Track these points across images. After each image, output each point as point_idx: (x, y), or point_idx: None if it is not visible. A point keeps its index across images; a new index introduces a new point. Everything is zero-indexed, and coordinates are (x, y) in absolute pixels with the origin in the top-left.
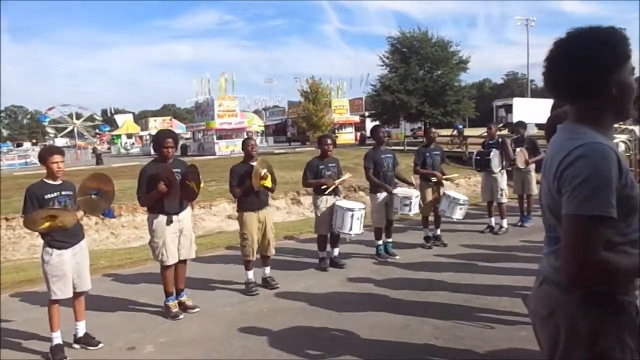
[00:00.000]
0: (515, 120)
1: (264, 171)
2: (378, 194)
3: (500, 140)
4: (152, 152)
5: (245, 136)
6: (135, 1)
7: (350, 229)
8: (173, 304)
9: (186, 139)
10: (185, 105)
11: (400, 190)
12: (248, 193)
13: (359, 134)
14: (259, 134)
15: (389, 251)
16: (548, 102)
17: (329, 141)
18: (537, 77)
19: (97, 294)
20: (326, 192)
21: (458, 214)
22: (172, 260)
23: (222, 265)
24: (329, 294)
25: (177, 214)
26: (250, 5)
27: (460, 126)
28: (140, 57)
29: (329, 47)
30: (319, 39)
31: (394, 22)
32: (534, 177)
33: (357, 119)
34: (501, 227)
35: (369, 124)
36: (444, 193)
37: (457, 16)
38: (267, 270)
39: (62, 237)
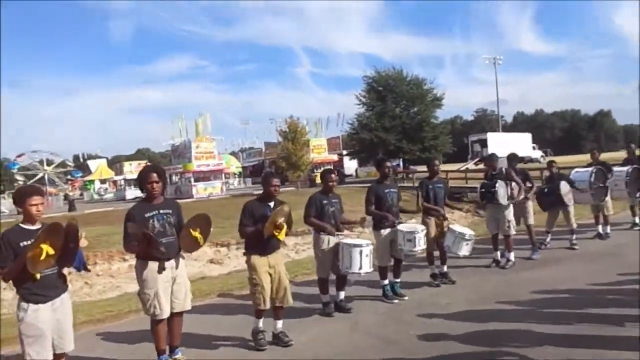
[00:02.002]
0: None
1: (281, 220)
2: (382, 230)
3: (504, 170)
4: (127, 197)
5: (267, 171)
6: (106, 48)
7: (360, 268)
8: None
9: None
10: (160, 148)
11: (404, 226)
12: (256, 237)
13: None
14: (237, 176)
15: (397, 292)
16: (520, 136)
17: (334, 176)
18: (505, 112)
19: (77, 355)
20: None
21: (464, 250)
22: (165, 314)
23: (217, 317)
24: (340, 344)
25: (169, 259)
26: (222, 51)
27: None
28: (112, 102)
29: (301, 89)
30: (291, 82)
31: (363, 64)
32: (531, 206)
33: (335, 157)
34: (508, 260)
35: (349, 163)
36: (448, 228)
37: (424, 57)
38: (280, 324)
39: (38, 289)
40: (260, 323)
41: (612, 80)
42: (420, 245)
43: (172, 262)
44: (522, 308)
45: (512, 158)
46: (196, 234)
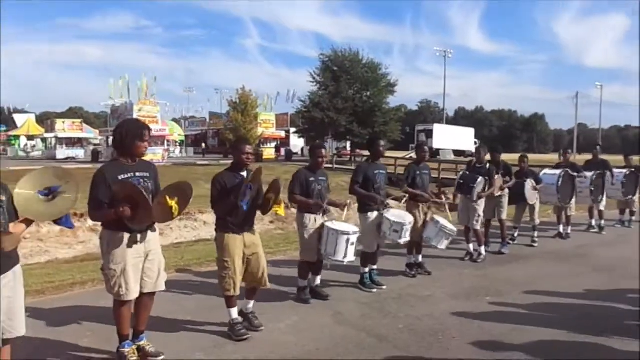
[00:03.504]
0: (435, 144)
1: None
2: (369, 213)
3: (488, 167)
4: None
5: (238, 137)
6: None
7: (345, 256)
8: (130, 350)
9: (95, 145)
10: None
11: (394, 214)
12: (231, 211)
13: (283, 149)
14: (178, 144)
15: (374, 280)
16: (464, 130)
17: (324, 152)
18: (448, 106)
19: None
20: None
21: (444, 244)
22: (133, 294)
23: (182, 296)
24: (322, 336)
25: (143, 231)
26: (168, 13)
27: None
28: (43, 55)
29: (248, 62)
30: (239, 53)
31: (313, 43)
32: (506, 202)
33: (282, 134)
34: (480, 254)
35: (296, 141)
36: (432, 218)
37: (374, 43)
38: (251, 305)
39: None
40: (235, 312)
41: (547, 86)
42: (406, 237)
43: (146, 234)
44: (511, 307)
45: (496, 150)
46: (172, 203)
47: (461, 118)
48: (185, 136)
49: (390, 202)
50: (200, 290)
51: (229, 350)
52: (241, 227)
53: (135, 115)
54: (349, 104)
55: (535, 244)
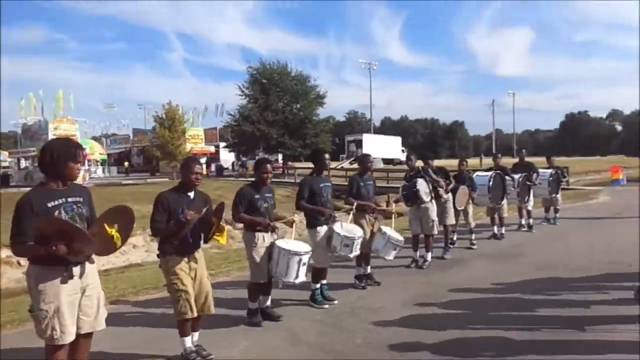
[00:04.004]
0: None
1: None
2: (318, 228)
3: (420, 169)
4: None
5: (187, 156)
6: None
7: (296, 277)
8: None
9: (5, 167)
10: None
11: (343, 228)
12: (174, 235)
13: (213, 165)
14: (100, 164)
15: (325, 295)
16: (392, 139)
17: (269, 167)
18: (374, 116)
19: None
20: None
21: (392, 255)
22: (69, 337)
23: (120, 330)
24: (277, 359)
25: (78, 264)
26: (84, 26)
27: (245, 158)
28: None
29: (173, 76)
30: (163, 67)
31: (240, 56)
32: (451, 207)
33: (212, 149)
34: (425, 260)
35: (226, 155)
36: (379, 229)
37: (300, 56)
38: (196, 336)
39: None
40: (188, 341)
41: (465, 94)
42: (357, 251)
43: (82, 267)
44: (460, 311)
45: (428, 157)
46: (113, 231)
47: (387, 128)
48: (108, 155)
49: (338, 214)
50: (141, 322)
51: None
52: (185, 250)
53: (50, 135)
54: (280, 116)
55: (474, 246)
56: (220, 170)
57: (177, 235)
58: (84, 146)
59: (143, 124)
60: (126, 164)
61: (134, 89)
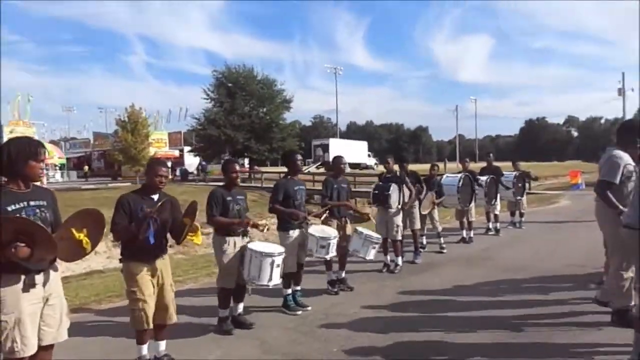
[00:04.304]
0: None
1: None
2: (290, 232)
3: (398, 174)
4: None
5: (153, 159)
6: None
7: (270, 280)
8: None
9: None
10: None
11: (317, 230)
12: (133, 240)
13: (177, 169)
14: (58, 168)
15: (298, 301)
16: (358, 143)
17: (237, 166)
18: (339, 121)
19: None
20: (234, 234)
21: (372, 254)
22: (31, 349)
23: (82, 340)
24: None
25: (40, 271)
26: (40, 27)
27: (205, 163)
28: None
29: (134, 79)
30: (123, 70)
31: (204, 60)
32: (417, 212)
33: (176, 153)
34: (397, 264)
35: (191, 160)
36: (355, 229)
37: (265, 60)
38: (163, 345)
39: None
40: (145, 349)
41: (429, 100)
42: (332, 252)
43: (44, 275)
44: (436, 314)
45: (404, 160)
46: (81, 236)
47: (353, 132)
48: (67, 159)
49: (311, 218)
50: (104, 331)
51: None
52: (149, 255)
53: (4, 138)
54: (246, 120)
55: (444, 250)
56: (185, 174)
57: (138, 237)
58: None
59: (104, 127)
60: (86, 168)
61: (94, 93)
